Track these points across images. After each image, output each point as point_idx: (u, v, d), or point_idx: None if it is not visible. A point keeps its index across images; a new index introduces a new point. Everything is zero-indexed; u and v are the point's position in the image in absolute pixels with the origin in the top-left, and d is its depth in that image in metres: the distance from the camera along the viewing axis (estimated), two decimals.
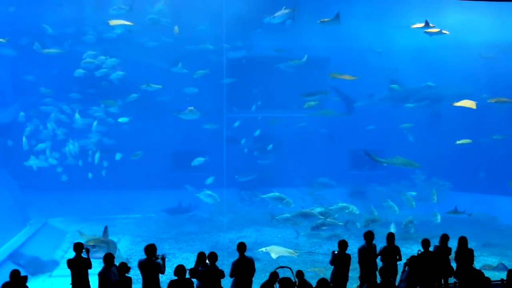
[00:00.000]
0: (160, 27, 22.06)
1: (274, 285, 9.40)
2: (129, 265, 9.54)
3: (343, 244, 10.52)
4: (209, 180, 21.81)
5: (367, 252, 10.73)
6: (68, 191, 22.13)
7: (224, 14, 21.86)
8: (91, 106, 21.88)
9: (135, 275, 14.70)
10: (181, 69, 22.01)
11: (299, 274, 9.76)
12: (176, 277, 9.25)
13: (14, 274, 8.98)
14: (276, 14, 19.79)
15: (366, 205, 20.06)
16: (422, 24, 19.17)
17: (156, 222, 21.32)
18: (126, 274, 9.31)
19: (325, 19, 18.47)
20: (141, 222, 21.38)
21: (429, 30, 19.01)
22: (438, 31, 19.00)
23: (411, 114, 23.27)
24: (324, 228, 17.48)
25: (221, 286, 9.65)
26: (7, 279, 9.11)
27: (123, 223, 21.07)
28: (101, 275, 9.51)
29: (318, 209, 18.00)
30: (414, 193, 20.03)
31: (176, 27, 20.28)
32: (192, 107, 19.39)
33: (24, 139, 20.73)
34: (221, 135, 23.78)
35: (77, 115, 21.53)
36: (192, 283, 9.33)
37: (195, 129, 21.72)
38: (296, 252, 15.51)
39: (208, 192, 20.01)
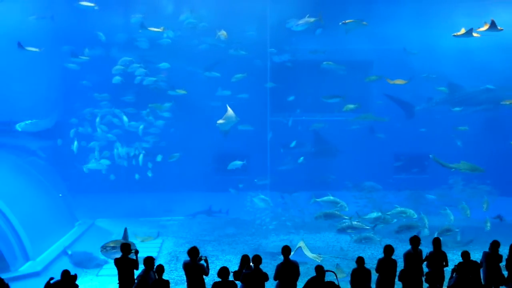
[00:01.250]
0: (203, 32, 22.38)
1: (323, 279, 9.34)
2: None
3: (388, 249, 10.33)
4: (260, 182, 22.01)
5: (413, 257, 10.52)
6: (114, 192, 22.67)
7: (268, 18, 21.98)
8: (141, 109, 22.32)
9: (178, 276, 15.05)
10: (215, 74, 22.24)
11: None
12: (219, 279, 9.32)
13: (65, 273, 9.27)
14: (300, 22, 19.78)
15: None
16: (464, 31, 18.66)
17: (199, 224, 21.55)
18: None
19: (347, 21, 18.25)
20: (184, 224, 21.66)
21: (457, 34, 18.46)
22: (466, 32, 18.42)
23: (467, 117, 22.64)
24: (349, 231, 17.21)
25: None
26: (57, 276, 9.44)
27: (167, 224, 21.42)
28: (140, 278, 9.59)
29: (375, 214, 17.75)
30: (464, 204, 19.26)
31: (224, 32, 20.37)
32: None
33: (75, 142, 21.31)
34: (264, 138, 23.90)
35: (125, 118, 22.02)
36: (236, 285, 9.38)
37: (239, 132, 21.84)
38: (320, 256, 15.36)
39: (262, 196, 20.29)
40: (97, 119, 21.91)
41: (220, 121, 18.07)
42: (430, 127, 23.63)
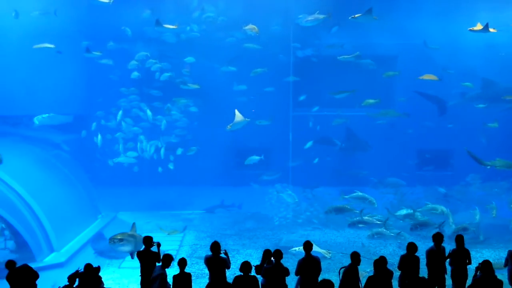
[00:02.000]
0: (225, 27, 22.41)
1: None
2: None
3: (411, 246, 10.23)
4: (269, 177, 22.12)
5: (435, 254, 10.41)
6: (136, 186, 22.91)
7: (291, 12, 21.87)
8: (167, 104, 22.47)
9: (199, 270, 15.16)
10: (231, 68, 22.26)
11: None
12: (241, 273, 9.35)
13: (88, 266, 9.42)
14: (309, 18, 19.69)
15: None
16: (480, 27, 18.31)
17: (219, 218, 21.64)
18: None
19: (356, 15, 18.08)
20: (206, 217, 21.78)
21: (473, 28, 18.11)
22: (483, 28, 18.06)
23: (495, 114, 22.14)
24: (361, 225, 17.14)
25: (285, 284, 9.66)
26: (81, 267, 9.60)
27: (188, 218, 21.56)
28: (160, 278, 9.54)
29: (404, 211, 17.57)
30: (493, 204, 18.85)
31: (253, 26, 20.27)
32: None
33: (99, 135, 21.55)
34: (286, 133, 23.87)
35: (148, 112, 22.17)
36: (257, 280, 9.41)
37: (261, 127, 21.85)
38: (329, 252, 15.27)
39: (289, 192, 20.45)
40: (120, 112, 22.10)
41: (229, 126, 18.24)
42: (457, 123, 23.32)
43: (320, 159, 23.47)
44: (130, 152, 21.95)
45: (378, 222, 17.10)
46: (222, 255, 9.85)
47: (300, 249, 14.78)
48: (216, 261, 9.75)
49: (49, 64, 20.63)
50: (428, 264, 10.50)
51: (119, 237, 13.18)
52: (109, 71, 22.49)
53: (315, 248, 14.80)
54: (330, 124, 23.32)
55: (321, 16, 19.38)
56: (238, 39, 21.89)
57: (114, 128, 22.38)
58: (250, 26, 20.06)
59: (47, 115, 20.44)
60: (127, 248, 13.22)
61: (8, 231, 16.62)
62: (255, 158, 21.20)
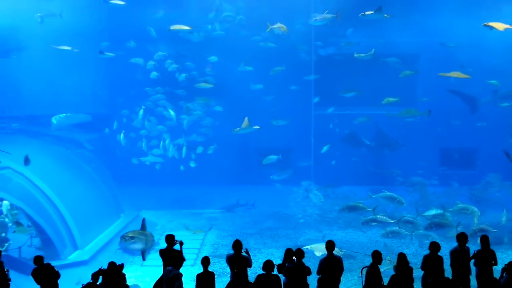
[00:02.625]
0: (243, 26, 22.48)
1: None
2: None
3: (434, 246, 10.11)
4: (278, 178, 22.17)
5: (459, 255, 10.27)
6: (159, 185, 23.08)
7: (312, 11, 21.81)
8: (187, 104, 22.59)
9: (221, 268, 15.21)
10: (249, 68, 22.27)
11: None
12: (263, 272, 9.36)
13: (112, 264, 9.52)
14: (318, 17, 19.64)
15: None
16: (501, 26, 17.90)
17: (241, 217, 21.68)
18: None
19: (367, 12, 17.94)
20: (227, 216, 21.84)
21: (489, 24, 17.70)
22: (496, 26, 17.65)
23: None
24: (374, 224, 16.95)
25: (307, 283, 9.65)
26: (104, 263, 9.73)
27: (211, 217, 21.65)
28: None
29: (433, 211, 17.30)
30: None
31: (282, 25, 20.21)
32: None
33: (122, 134, 21.75)
34: (308, 132, 23.78)
35: (172, 112, 22.27)
36: (279, 278, 9.41)
37: (283, 126, 21.84)
38: (342, 251, 15.11)
39: (316, 192, 20.53)
40: (141, 112, 22.24)
41: (236, 130, 18.52)
42: (487, 121, 22.98)
43: (344, 158, 23.33)
44: (155, 150, 22.08)
45: (392, 221, 16.90)
46: (244, 253, 9.87)
47: (311, 247, 14.73)
48: (238, 259, 9.78)
49: (73, 65, 20.94)
50: (452, 265, 10.36)
51: (130, 235, 13.37)
52: (134, 71, 22.70)
53: (323, 248, 14.74)
54: (352, 123, 23.22)
55: (329, 16, 19.34)
56: (263, 37, 21.85)
57: (138, 127, 22.55)
58: (278, 24, 19.93)
59: (64, 115, 20.74)
60: (138, 246, 13.43)
61: (34, 229, 16.93)
62: (273, 157, 21.18)
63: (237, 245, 9.90)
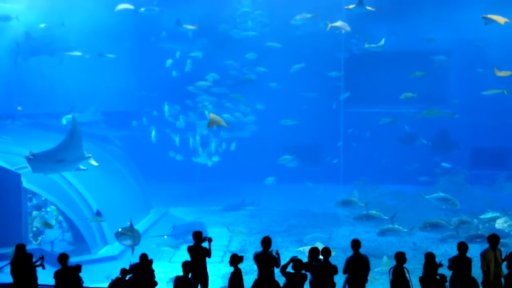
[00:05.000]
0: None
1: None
2: None
3: (462, 247, 9.93)
4: None
5: (490, 256, 10.05)
6: (187, 182, 23.28)
7: (343, 8, 21.61)
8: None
9: (248, 266, 15.25)
10: (261, 69, 22.21)
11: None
12: (292, 270, 9.35)
13: (143, 257, 9.62)
14: (297, 17, 19.50)
15: None
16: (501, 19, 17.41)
17: (269, 215, 21.72)
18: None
19: (349, 6, 17.63)
20: (255, 214, 21.90)
21: (488, 16, 17.12)
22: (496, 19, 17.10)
23: None
24: (367, 219, 16.82)
25: (333, 282, 9.60)
26: (133, 259, 9.83)
27: (238, 214, 21.73)
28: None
29: (490, 214, 16.94)
30: None
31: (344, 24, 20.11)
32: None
33: (153, 132, 21.99)
34: (338, 129, 23.61)
35: (206, 112, 22.29)
36: (306, 277, 9.39)
37: (312, 124, 21.76)
38: (334, 250, 14.87)
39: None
40: (166, 108, 22.31)
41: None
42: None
43: (375, 156, 23.11)
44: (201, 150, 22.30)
45: (386, 218, 16.67)
46: (274, 254, 9.80)
47: (304, 249, 14.41)
48: (266, 258, 9.75)
49: (106, 64, 21.34)
50: (482, 266, 10.16)
51: (121, 231, 13.90)
52: (172, 68, 22.90)
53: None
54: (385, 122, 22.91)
55: (308, 15, 19.18)
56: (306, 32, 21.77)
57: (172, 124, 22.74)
58: (340, 23, 19.75)
59: (71, 115, 21.10)
60: (127, 241, 13.95)
61: (66, 224, 17.30)
62: (288, 157, 21.26)
63: (266, 242, 9.79)
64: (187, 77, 22.54)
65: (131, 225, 14.33)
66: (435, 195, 17.69)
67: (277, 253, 9.82)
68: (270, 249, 9.80)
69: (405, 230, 16.53)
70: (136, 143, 23.69)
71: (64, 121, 20.88)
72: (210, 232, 17.54)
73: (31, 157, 13.62)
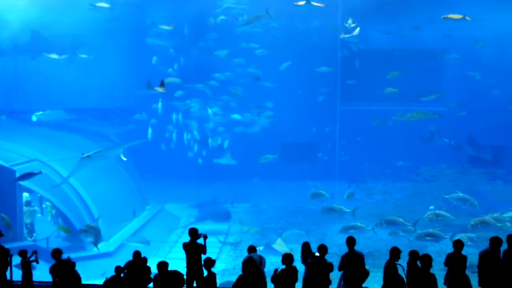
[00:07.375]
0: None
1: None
2: None
3: (458, 244, 9.94)
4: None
5: (489, 257, 10.00)
6: (183, 179, 23.20)
7: (340, 6, 21.62)
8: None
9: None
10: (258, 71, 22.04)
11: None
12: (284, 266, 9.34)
13: (136, 254, 9.60)
14: (249, 19, 19.87)
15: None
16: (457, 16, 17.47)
17: (264, 213, 21.70)
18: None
19: (299, 3, 17.62)
20: (252, 211, 21.87)
21: (448, 16, 17.20)
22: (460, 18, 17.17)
23: None
24: (332, 213, 17.38)
25: (329, 279, 9.60)
26: (129, 256, 9.82)
27: (234, 211, 21.68)
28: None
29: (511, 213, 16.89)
30: None
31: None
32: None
33: (149, 129, 21.93)
34: (333, 127, 23.57)
35: (209, 111, 22.16)
36: (297, 271, 9.37)
37: (308, 122, 21.74)
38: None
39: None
40: (159, 105, 22.20)
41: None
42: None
43: (370, 154, 23.10)
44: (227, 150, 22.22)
45: (347, 211, 16.99)
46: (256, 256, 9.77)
47: (261, 248, 14.19)
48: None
49: (104, 61, 21.33)
50: (479, 266, 10.12)
51: (84, 228, 14.43)
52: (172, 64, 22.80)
53: (278, 248, 14.55)
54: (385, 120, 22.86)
55: (261, 15, 19.36)
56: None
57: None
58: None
59: (41, 112, 21.03)
60: (89, 238, 14.43)
61: (61, 220, 17.26)
62: (269, 156, 21.28)
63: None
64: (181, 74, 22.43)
65: (96, 222, 15.04)
66: (454, 195, 17.63)
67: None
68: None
69: (369, 228, 16.73)
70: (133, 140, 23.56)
71: (34, 118, 20.79)
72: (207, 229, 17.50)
73: (86, 157, 15.82)
